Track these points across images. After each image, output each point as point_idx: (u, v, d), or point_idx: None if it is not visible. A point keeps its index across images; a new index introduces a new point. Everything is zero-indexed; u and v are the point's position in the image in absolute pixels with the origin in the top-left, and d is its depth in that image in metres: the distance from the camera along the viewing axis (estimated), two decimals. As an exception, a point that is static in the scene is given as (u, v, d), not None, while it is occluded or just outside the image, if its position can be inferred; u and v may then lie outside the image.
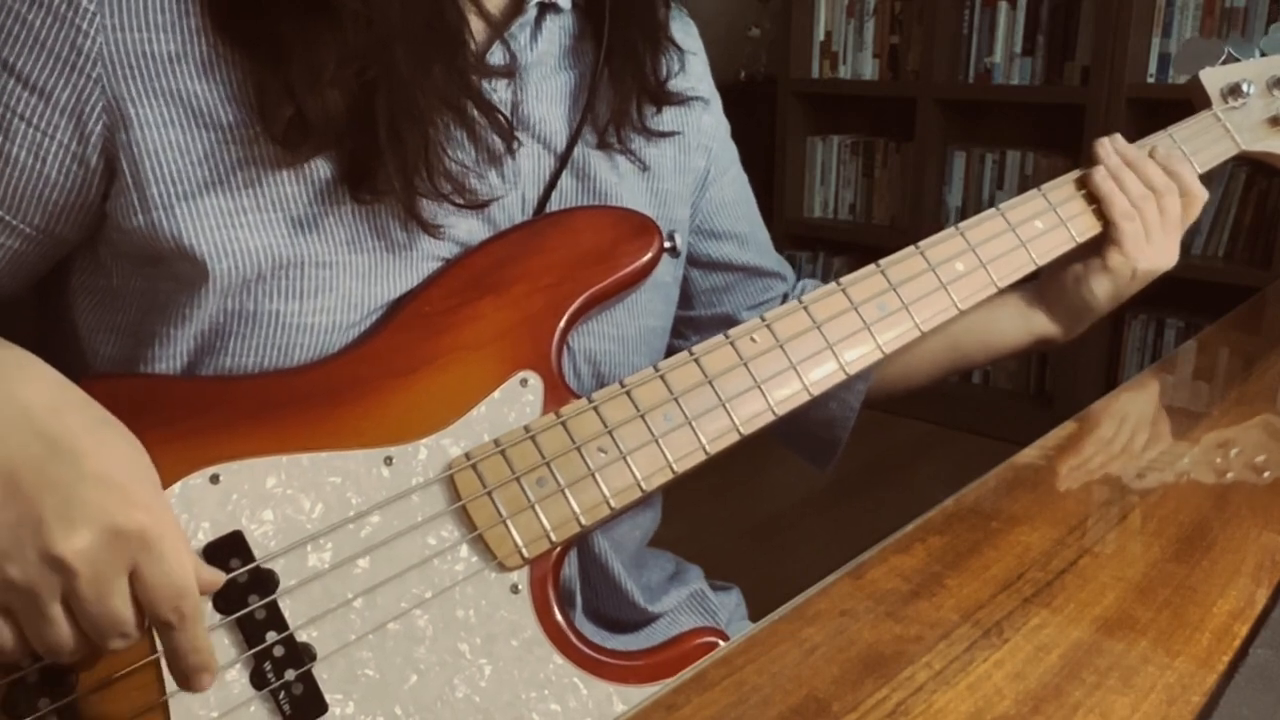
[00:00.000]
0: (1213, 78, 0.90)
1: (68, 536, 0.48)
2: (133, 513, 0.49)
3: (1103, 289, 0.82)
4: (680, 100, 0.75)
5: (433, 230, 0.62)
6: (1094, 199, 0.81)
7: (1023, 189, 0.81)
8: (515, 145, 0.66)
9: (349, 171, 0.60)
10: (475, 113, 0.63)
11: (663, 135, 0.74)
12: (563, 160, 0.69)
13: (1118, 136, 0.83)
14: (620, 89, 0.71)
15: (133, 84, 0.57)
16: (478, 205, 0.64)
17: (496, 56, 0.66)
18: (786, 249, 3.27)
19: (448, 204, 0.62)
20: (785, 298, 0.88)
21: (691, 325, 0.84)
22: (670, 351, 0.74)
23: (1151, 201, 0.80)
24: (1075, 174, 0.82)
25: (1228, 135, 0.89)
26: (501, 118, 0.64)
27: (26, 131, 0.57)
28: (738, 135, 0.85)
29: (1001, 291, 0.77)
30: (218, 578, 0.54)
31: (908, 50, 3.02)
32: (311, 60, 0.57)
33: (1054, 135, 2.85)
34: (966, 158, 2.95)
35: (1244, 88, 0.89)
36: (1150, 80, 2.62)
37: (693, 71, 0.79)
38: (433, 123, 0.60)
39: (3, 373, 0.52)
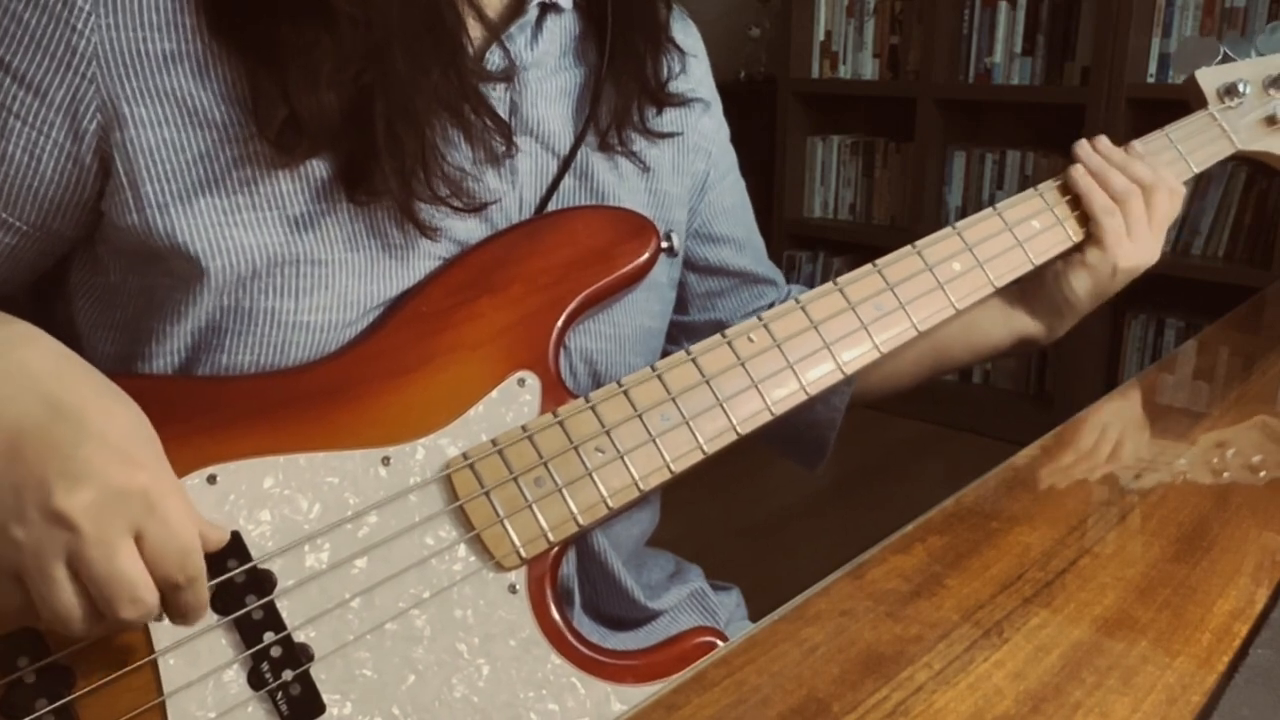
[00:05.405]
0: (1209, 77, 0.90)
1: (70, 493, 0.48)
2: (135, 473, 0.49)
3: (1083, 286, 0.81)
4: (681, 102, 0.75)
5: (430, 232, 0.62)
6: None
7: (1023, 189, 0.80)
8: (514, 149, 0.66)
9: (346, 172, 0.60)
10: (473, 115, 0.63)
11: (663, 136, 0.74)
12: (565, 162, 0.69)
13: (1101, 138, 0.83)
14: (622, 91, 0.71)
15: (128, 83, 0.57)
16: (475, 208, 0.64)
17: (495, 58, 0.66)
18: (786, 249, 3.27)
19: (445, 206, 0.62)
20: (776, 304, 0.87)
21: (684, 330, 0.84)
22: (663, 355, 0.74)
23: (1136, 197, 0.80)
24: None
25: (1224, 135, 0.88)
26: (499, 120, 0.64)
27: (21, 129, 0.57)
28: (737, 135, 0.85)
29: None
30: (223, 535, 0.55)
31: (908, 50, 3.02)
32: (307, 63, 0.57)
33: (1054, 135, 2.85)
34: (966, 158, 2.95)
35: (1240, 87, 0.88)
36: (1150, 80, 2.62)
37: (694, 74, 0.79)
38: (430, 125, 0.60)
39: (9, 341, 0.53)
